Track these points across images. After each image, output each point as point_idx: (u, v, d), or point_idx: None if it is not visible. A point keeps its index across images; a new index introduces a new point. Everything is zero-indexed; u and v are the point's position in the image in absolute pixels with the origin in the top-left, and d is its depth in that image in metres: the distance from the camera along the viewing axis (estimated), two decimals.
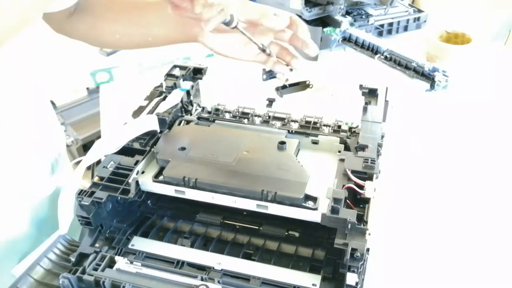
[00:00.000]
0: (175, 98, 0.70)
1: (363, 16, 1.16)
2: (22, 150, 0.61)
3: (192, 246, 0.59)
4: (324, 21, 1.11)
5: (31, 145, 0.63)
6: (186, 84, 0.74)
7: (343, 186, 0.55)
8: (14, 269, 0.53)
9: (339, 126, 0.68)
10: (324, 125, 0.68)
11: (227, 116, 0.72)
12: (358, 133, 0.63)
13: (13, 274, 0.52)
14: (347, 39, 1.10)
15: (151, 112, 0.68)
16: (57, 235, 0.55)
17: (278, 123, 0.69)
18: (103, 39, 0.70)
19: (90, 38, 0.71)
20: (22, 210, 0.63)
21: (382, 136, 0.65)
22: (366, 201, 0.54)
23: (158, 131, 0.65)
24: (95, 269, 0.50)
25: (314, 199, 0.54)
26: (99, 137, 0.63)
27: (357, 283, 0.48)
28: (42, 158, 0.66)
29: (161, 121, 0.66)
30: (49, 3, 0.50)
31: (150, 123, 0.64)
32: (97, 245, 0.57)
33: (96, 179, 0.58)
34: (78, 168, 0.57)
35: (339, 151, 0.63)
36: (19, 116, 0.60)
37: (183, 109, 0.72)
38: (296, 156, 0.61)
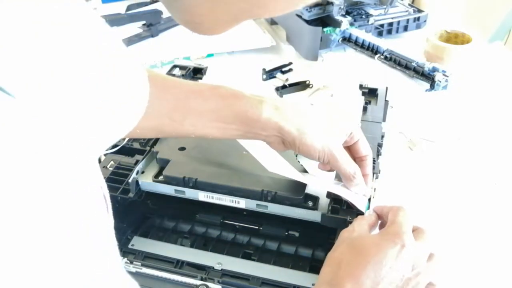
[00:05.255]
0: None
1: (363, 16, 1.16)
2: None
3: (192, 246, 0.59)
4: (324, 21, 1.11)
5: None
6: None
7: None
8: None
9: None
10: None
11: None
12: None
13: None
14: (347, 39, 1.10)
15: None
16: None
17: None
18: None
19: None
20: None
21: (382, 136, 0.65)
22: None
23: None
24: None
25: (314, 199, 0.54)
26: None
27: None
28: None
29: None
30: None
31: None
32: None
33: None
34: None
35: None
36: None
37: None
38: (296, 156, 0.61)
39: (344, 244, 0.45)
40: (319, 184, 0.55)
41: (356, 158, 0.54)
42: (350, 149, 0.54)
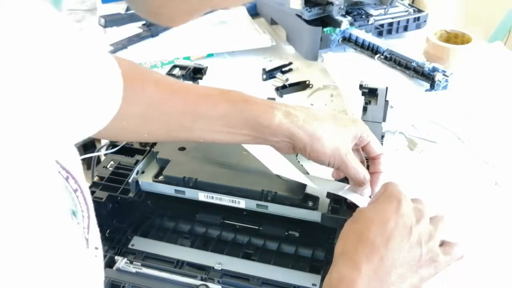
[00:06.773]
0: None
1: (363, 16, 1.15)
2: None
3: (192, 246, 0.59)
4: (324, 21, 1.11)
5: None
6: None
7: None
8: None
9: None
10: None
11: None
12: None
13: None
14: (347, 39, 1.10)
15: None
16: None
17: None
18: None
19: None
20: None
21: (382, 136, 0.65)
22: None
23: None
24: None
25: (314, 199, 0.54)
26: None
27: None
28: None
29: None
30: None
31: None
32: None
33: (96, 179, 0.58)
34: None
35: None
36: None
37: None
38: (296, 156, 0.61)
39: (347, 223, 0.46)
40: (326, 187, 0.55)
41: (369, 158, 0.55)
42: (362, 150, 0.54)
